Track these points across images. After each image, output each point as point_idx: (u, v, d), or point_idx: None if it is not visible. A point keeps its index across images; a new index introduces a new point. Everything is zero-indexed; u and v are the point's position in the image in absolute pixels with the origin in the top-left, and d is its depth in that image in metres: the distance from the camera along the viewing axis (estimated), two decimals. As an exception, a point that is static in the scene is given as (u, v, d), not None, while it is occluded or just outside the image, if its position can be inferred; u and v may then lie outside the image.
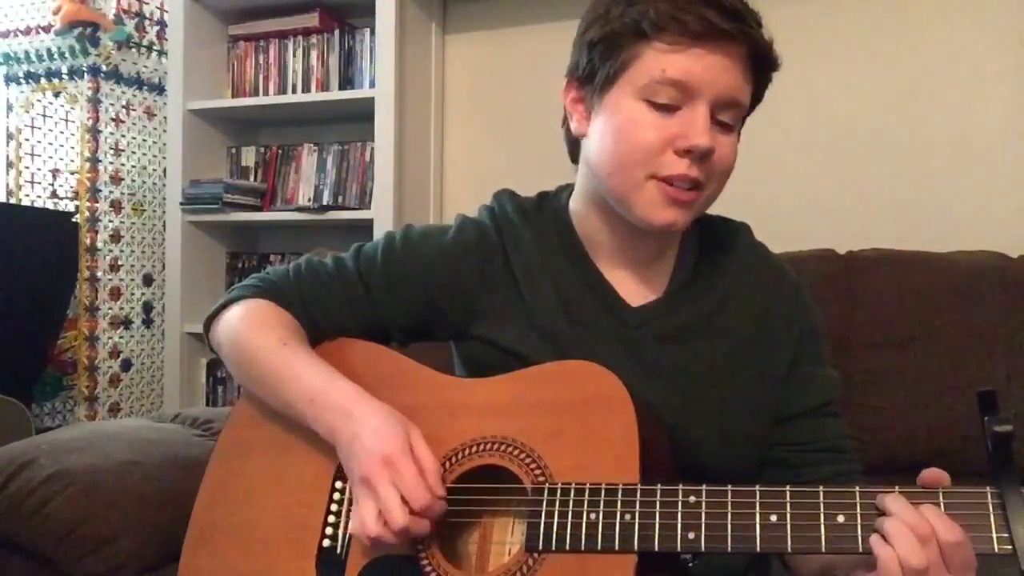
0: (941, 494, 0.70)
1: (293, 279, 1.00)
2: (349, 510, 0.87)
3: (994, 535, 0.68)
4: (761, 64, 0.87)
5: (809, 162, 2.11)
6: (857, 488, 0.72)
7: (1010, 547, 0.67)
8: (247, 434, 0.98)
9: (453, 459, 0.86)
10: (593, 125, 0.90)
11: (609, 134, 0.87)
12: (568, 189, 1.01)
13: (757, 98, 0.91)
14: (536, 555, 0.78)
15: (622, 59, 0.85)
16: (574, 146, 0.97)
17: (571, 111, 0.93)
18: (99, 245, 2.63)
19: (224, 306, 1.00)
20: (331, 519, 0.89)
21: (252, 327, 0.96)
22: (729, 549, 0.73)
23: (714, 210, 1.02)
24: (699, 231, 0.98)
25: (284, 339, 0.93)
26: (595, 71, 0.88)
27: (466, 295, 0.97)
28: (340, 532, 0.88)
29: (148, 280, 2.79)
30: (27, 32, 2.73)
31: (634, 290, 0.95)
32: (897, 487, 0.71)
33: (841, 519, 0.71)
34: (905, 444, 1.47)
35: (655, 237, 0.93)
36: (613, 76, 0.86)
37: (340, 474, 0.89)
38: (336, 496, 0.90)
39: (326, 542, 0.88)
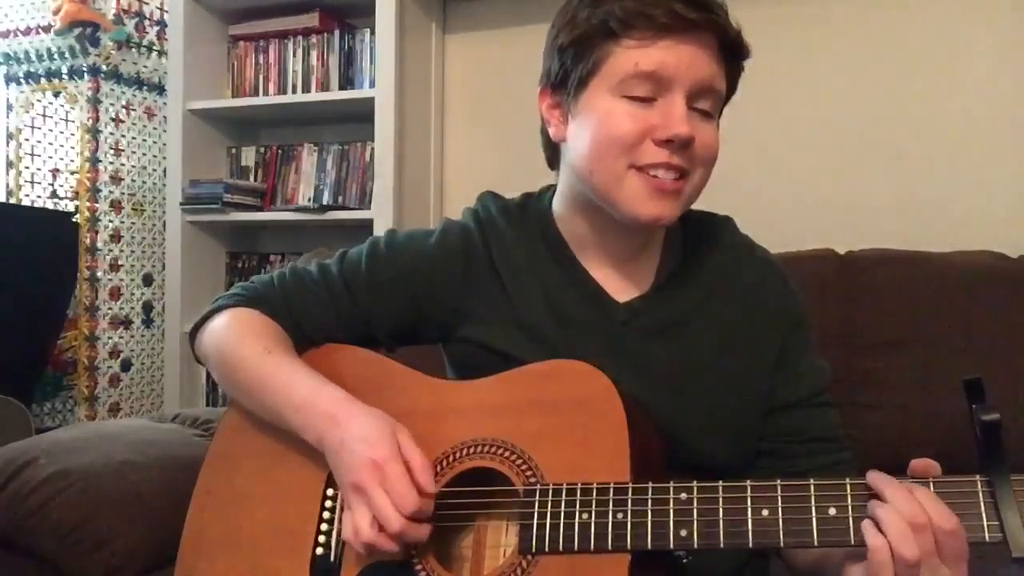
0: (932, 484, 0.70)
1: (278, 287, 1.00)
2: (341, 516, 0.87)
3: (985, 523, 0.68)
4: (731, 52, 0.87)
5: (809, 162, 2.10)
6: (848, 480, 0.72)
7: (1000, 535, 0.67)
8: (237, 443, 0.97)
9: (444, 462, 0.86)
10: (571, 128, 0.90)
11: (587, 132, 0.87)
12: (552, 189, 1.01)
13: (731, 88, 0.91)
14: (530, 557, 0.78)
15: (593, 60, 0.86)
16: (553, 153, 0.97)
17: (548, 117, 0.93)
18: (99, 245, 2.64)
19: (209, 316, 1.00)
20: (323, 526, 0.89)
21: (237, 336, 0.96)
22: (722, 545, 0.73)
23: (714, 209, 1.02)
24: (683, 226, 0.98)
25: (269, 347, 0.93)
26: (568, 75, 0.88)
27: (451, 297, 0.97)
28: (333, 539, 0.88)
29: (148, 280, 2.80)
30: (27, 32, 2.73)
31: (620, 286, 0.95)
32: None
33: (832, 512, 0.71)
34: (905, 444, 1.47)
35: (640, 233, 0.93)
36: (586, 77, 0.87)
37: (332, 481, 0.89)
38: (328, 503, 0.89)
39: (319, 549, 0.88)
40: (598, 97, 0.86)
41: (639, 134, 0.84)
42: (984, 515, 0.68)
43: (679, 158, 0.85)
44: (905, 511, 0.67)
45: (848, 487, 0.72)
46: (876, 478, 0.70)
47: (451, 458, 0.86)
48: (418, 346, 1.02)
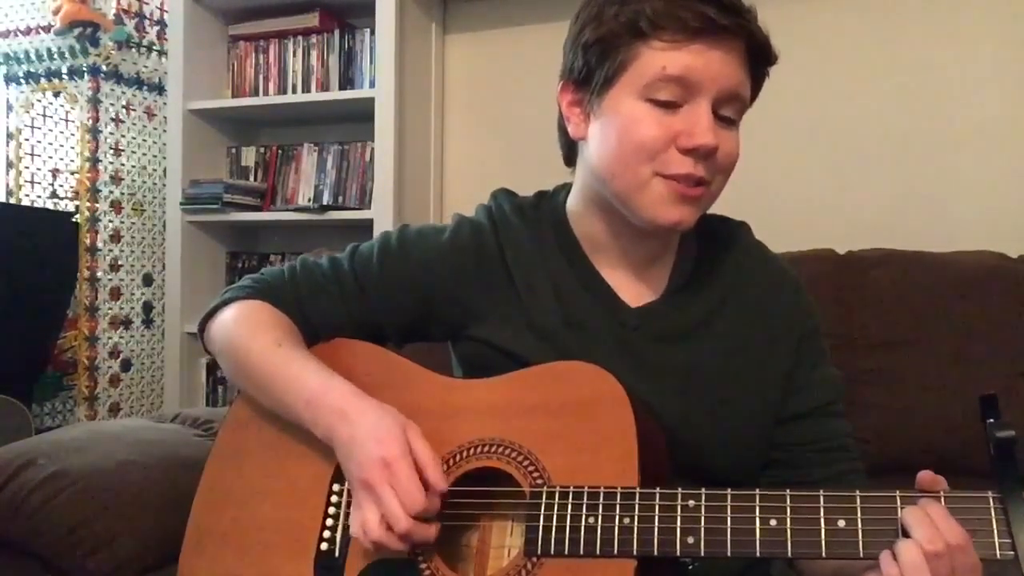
0: (943, 498, 0.70)
1: (288, 279, 1.00)
2: (347, 513, 0.87)
3: (996, 540, 0.67)
4: (759, 58, 0.86)
5: (809, 162, 2.11)
6: (857, 492, 0.71)
7: (1012, 553, 0.66)
8: (244, 436, 0.97)
9: (451, 461, 0.85)
10: (592, 127, 0.89)
11: (611, 135, 0.86)
12: (566, 189, 1.00)
13: (754, 93, 0.90)
14: (535, 559, 0.78)
15: (620, 59, 0.84)
16: (570, 149, 0.96)
17: (568, 114, 0.92)
18: (99, 245, 2.63)
19: (219, 307, 1.00)
20: (328, 522, 0.88)
21: (247, 328, 0.95)
22: (728, 554, 0.72)
23: (714, 210, 1.02)
24: (697, 231, 0.97)
25: (279, 340, 0.93)
26: (592, 73, 0.87)
27: (462, 295, 0.96)
28: (338, 535, 0.87)
29: (148, 280, 2.79)
30: (27, 32, 2.73)
31: (633, 291, 0.94)
32: (898, 491, 0.71)
33: (841, 523, 0.71)
34: (905, 444, 1.47)
35: (656, 238, 0.93)
36: (612, 77, 0.85)
37: (338, 476, 0.89)
38: (334, 499, 0.89)
39: (324, 545, 0.88)
40: (623, 99, 0.85)
41: (664, 141, 0.83)
42: (996, 532, 0.68)
43: (702, 168, 0.84)
44: (923, 540, 0.66)
45: (858, 499, 0.71)
46: (909, 511, 0.69)
47: (458, 457, 0.85)
48: (426, 343, 1.01)
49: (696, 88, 0.82)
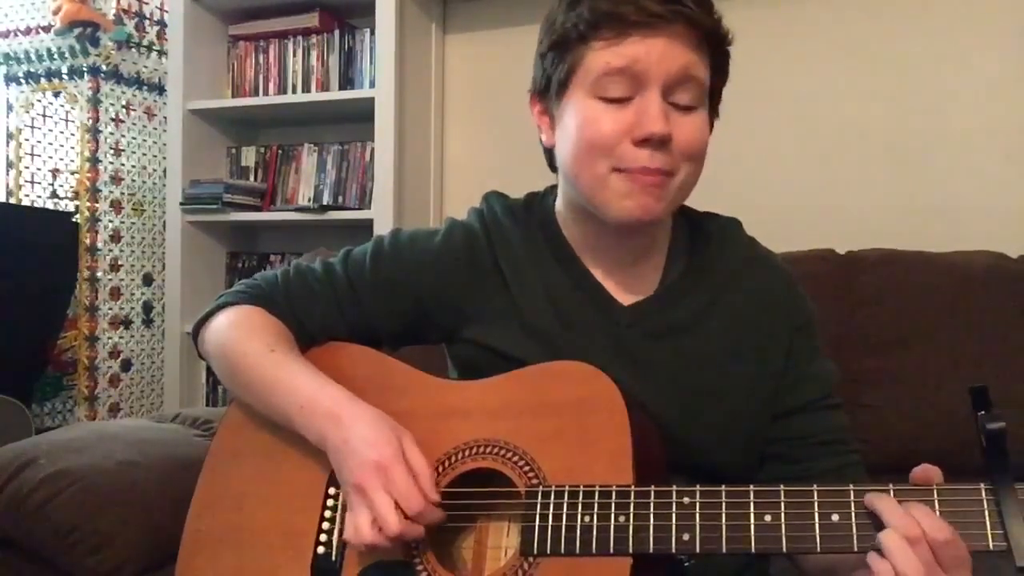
0: (935, 491, 0.70)
1: (281, 284, 1.00)
2: (343, 516, 0.87)
3: (989, 532, 0.68)
4: (710, 40, 0.86)
5: (809, 162, 2.10)
6: (851, 487, 0.72)
7: (1005, 544, 0.67)
8: (239, 440, 0.97)
9: (446, 463, 0.86)
10: (557, 133, 0.91)
11: (570, 136, 0.87)
12: (555, 190, 1.00)
13: (722, 74, 0.90)
14: (531, 559, 0.78)
15: (569, 64, 0.86)
16: (551, 156, 0.97)
17: (539, 123, 0.94)
18: (99, 245, 2.64)
19: (212, 312, 1.00)
20: (325, 525, 0.89)
21: (240, 333, 0.96)
22: (724, 550, 0.72)
23: (713, 209, 1.02)
24: (689, 228, 0.98)
25: (272, 345, 0.93)
26: (550, 81, 0.89)
27: (455, 298, 0.97)
28: (334, 538, 0.88)
29: (148, 280, 2.79)
30: (27, 32, 2.73)
31: (625, 289, 0.95)
32: (892, 485, 0.71)
33: (835, 518, 0.71)
34: (905, 444, 1.47)
35: (640, 235, 0.93)
36: (565, 81, 0.87)
37: (333, 479, 0.89)
38: (330, 502, 0.89)
39: (320, 548, 0.88)
40: (576, 101, 0.87)
41: (617, 135, 0.84)
42: (988, 524, 0.68)
43: (660, 159, 0.84)
44: (900, 527, 0.67)
45: (851, 493, 0.71)
46: (872, 500, 0.70)
47: (453, 459, 0.85)
48: (421, 346, 1.02)
49: (643, 78, 0.83)
